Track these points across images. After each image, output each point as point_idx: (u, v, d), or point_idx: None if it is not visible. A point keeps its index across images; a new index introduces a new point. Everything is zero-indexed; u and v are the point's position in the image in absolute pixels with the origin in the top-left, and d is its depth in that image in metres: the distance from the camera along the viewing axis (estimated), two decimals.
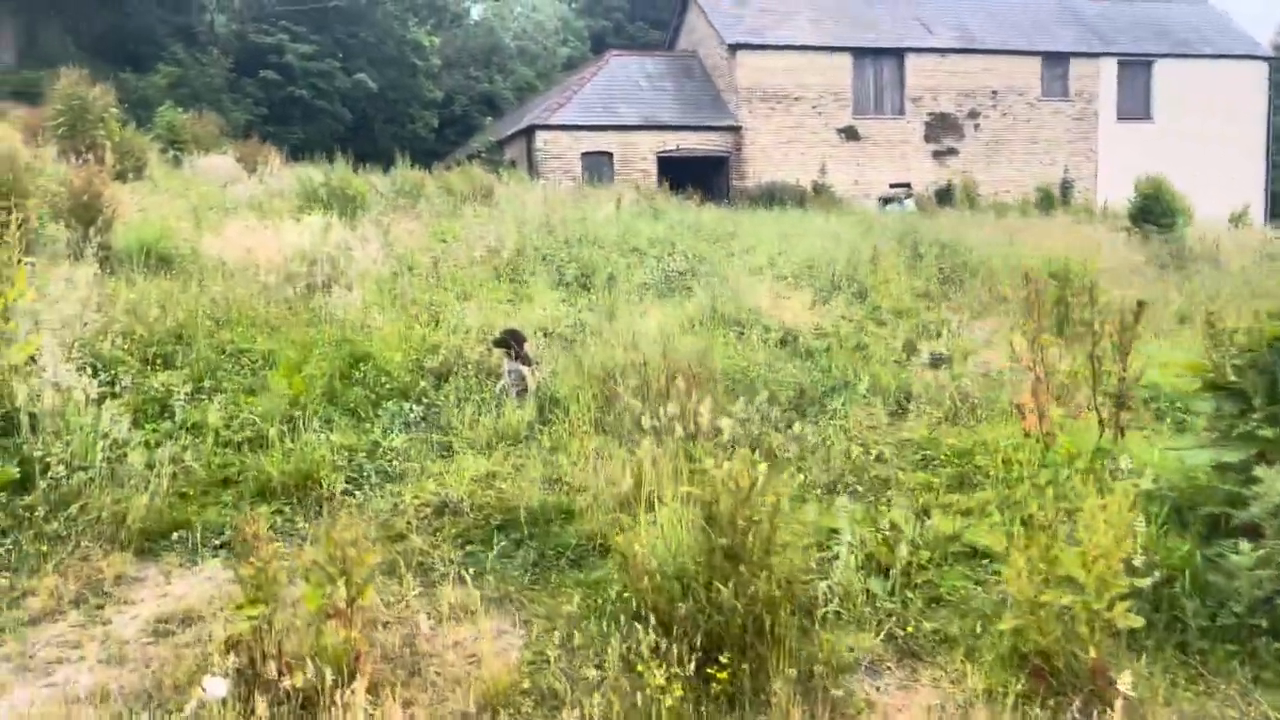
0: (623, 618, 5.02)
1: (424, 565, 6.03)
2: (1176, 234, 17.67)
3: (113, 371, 8.45)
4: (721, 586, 4.42)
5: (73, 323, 9.10)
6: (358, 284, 12.07)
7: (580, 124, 35.23)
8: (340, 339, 10.02)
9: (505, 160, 35.63)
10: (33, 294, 8.50)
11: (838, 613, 5.04)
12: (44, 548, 6.22)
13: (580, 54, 58.30)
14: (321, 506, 6.92)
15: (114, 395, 7.96)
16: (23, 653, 5.26)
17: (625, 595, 5.14)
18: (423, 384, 9.09)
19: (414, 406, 8.62)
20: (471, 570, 5.87)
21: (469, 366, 9.69)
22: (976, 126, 37.44)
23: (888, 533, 5.57)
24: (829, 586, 5.15)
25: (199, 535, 6.50)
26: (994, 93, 37.44)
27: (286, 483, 7.02)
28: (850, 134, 36.97)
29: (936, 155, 37.49)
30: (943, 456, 7.01)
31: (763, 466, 4.71)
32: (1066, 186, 36.92)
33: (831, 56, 36.25)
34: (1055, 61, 37.46)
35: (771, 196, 32.92)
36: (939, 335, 10.68)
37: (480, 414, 8.40)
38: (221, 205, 16.63)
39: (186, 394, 8.26)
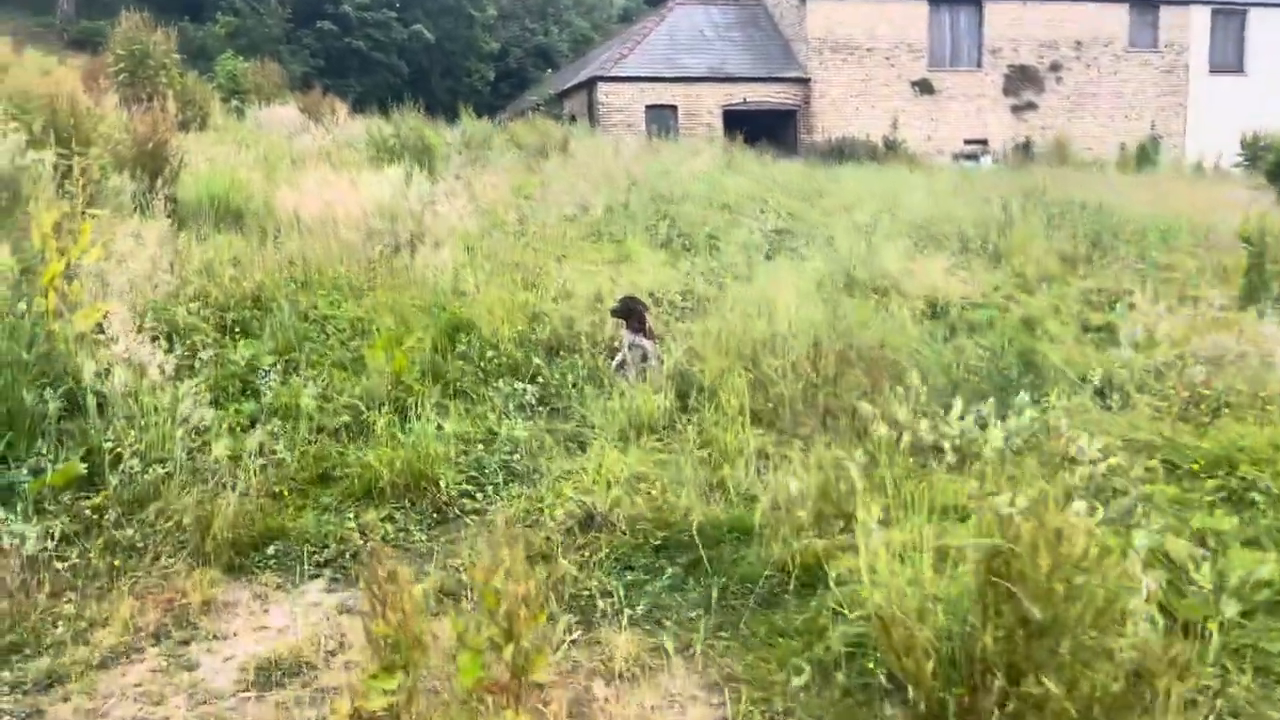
0: (869, 694, 3.76)
1: (577, 597, 4.81)
2: None
3: (189, 342, 7.30)
4: (1043, 678, 3.12)
5: (142, 284, 7.95)
6: (445, 242, 10.83)
7: (643, 76, 33.62)
8: (437, 304, 8.79)
9: (565, 114, 34.19)
10: (99, 251, 7.34)
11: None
12: (116, 561, 5.11)
13: (636, 6, 56.30)
14: (440, 512, 5.73)
15: (192, 371, 6.81)
16: (92, 710, 4.12)
17: (865, 662, 3.88)
18: (535, 360, 7.83)
19: (527, 387, 7.38)
20: (639, 606, 4.64)
21: (582, 339, 8.43)
22: (1059, 79, 35.30)
23: (1180, 572, 4.25)
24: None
25: (298, 547, 5.34)
26: (1078, 43, 35.22)
27: (396, 481, 5.83)
28: (924, 87, 35.00)
29: (1015, 110, 35.43)
30: (1194, 465, 5.64)
31: (1080, 507, 3.41)
32: (1153, 143, 34.68)
33: (906, 4, 34.21)
34: (1144, 9, 35.10)
35: (841, 152, 31.30)
36: (1111, 307, 9.24)
37: (607, 397, 7.15)
38: (290, 156, 15.44)
39: (273, 369, 7.10)
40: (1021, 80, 35.33)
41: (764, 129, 31.97)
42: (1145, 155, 26.95)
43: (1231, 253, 10.97)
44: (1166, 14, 35.21)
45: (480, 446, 6.38)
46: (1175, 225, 12.95)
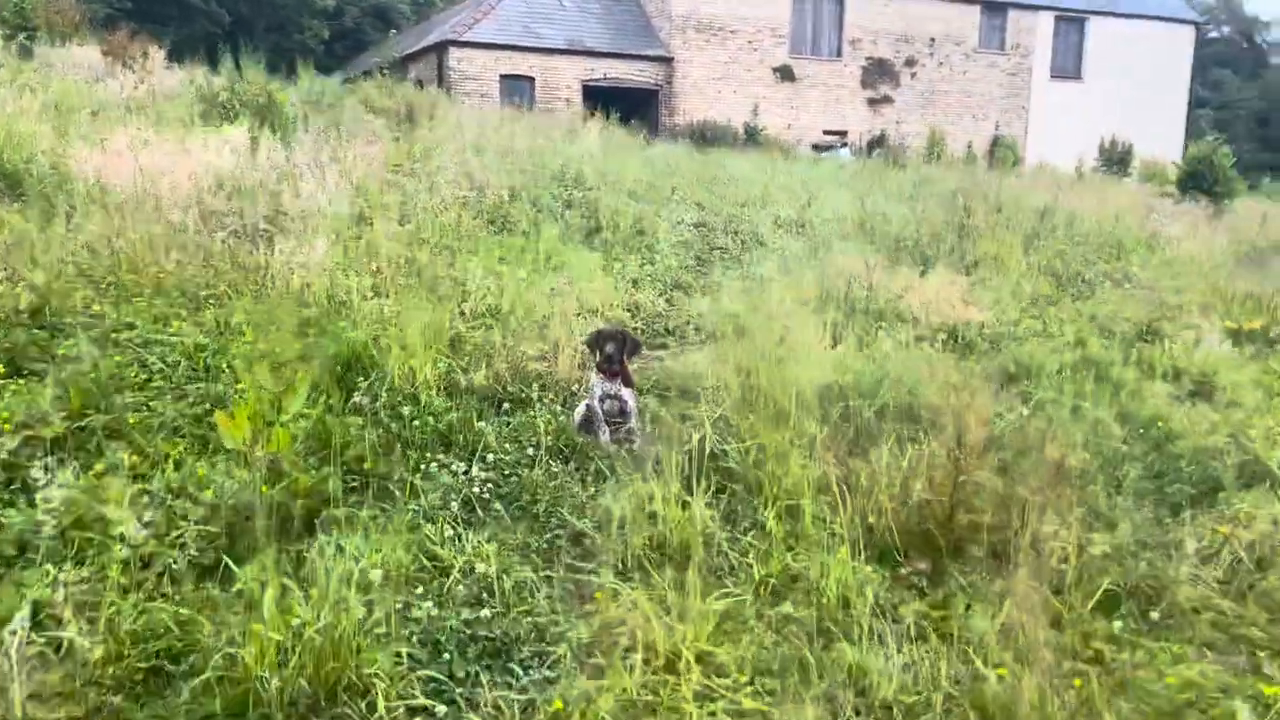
0: None
1: None
2: (1229, 204, 15.14)
3: None
4: None
5: None
6: (313, 231, 7.96)
7: (499, 43, 30.62)
8: (316, 327, 6.04)
9: (411, 80, 30.75)
10: None
11: None
12: None
13: None
14: None
15: None
16: None
17: None
18: (474, 418, 5.24)
19: (472, 468, 4.80)
20: None
21: (532, 384, 5.89)
22: (913, 75, 34.54)
23: None
24: None
25: None
26: (932, 40, 34.53)
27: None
28: (785, 74, 33.51)
29: (871, 103, 34.47)
30: None
31: None
32: (997, 143, 34.53)
33: None
34: (994, 11, 34.73)
35: (704, 136, 29.50)
36: (1146, 340, 7.45)
37: (597, 488, 4.69)
38: (91, 107, 11.91)
39: (55, 451, 4.26)
40: (878, 73, 34.38)
41: (625, 107, 29.58)
42: (1008, 155, 26.25)
43: (1242, 276, 9.50)
44: (1014, 17, 34.99)
45: (427, 602, 3.77)
46: (1132, 235, 11.49)
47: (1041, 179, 19.49)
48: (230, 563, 3.78)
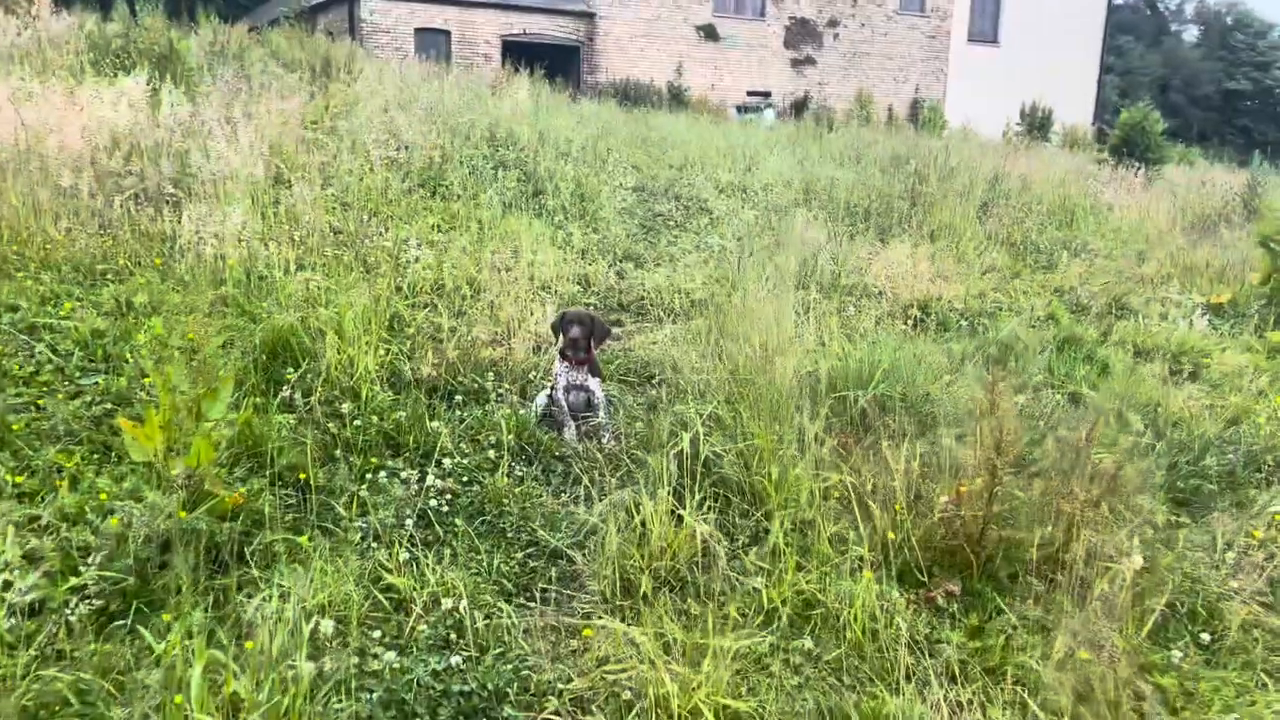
0: None
1: None
2: (1159, 170, 15.11)
3: None
4: None
5: None
6: (226, 195, 7.10)
7: None
8: (237, 306, 5.29)
9: (319, 31, 29.16)
10: None
11: None
12: None
13: None
14: None
15: None
16: None
17: None
18: (429, 420, 4.58)
19: (426, 476, 4.15)
20: None
21: (486, 374, 5.23)
22: (835, 36, 34.15)
23: None
24: None
25: None
26: (854, 1, 34.20)
27: None
28: (709, 33, 32.80)
29: (795, 64, 34.00)
30: None
31: None
32: (917, 106, 34.49)
33: None
34: None
35: (627, 95, 28.76)
36: (1116, 315, 7.12)
37: (567, 496, 4.10)
38: None
39: None
40: (801, 34, 33.91)
41: (546, 64, 28.55)
42: (934, 119, 26.08)
43: (1200, 248, 9.28)
44: None
45: (389, 653, 3.14)
46: (1079, 202, 11.23)
47: (971, 144, 19.27)
48: (144, 609, 3.10)
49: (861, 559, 3.60)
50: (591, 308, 7.00)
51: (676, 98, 30.88)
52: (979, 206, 9.84)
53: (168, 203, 7.02)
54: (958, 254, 8.58)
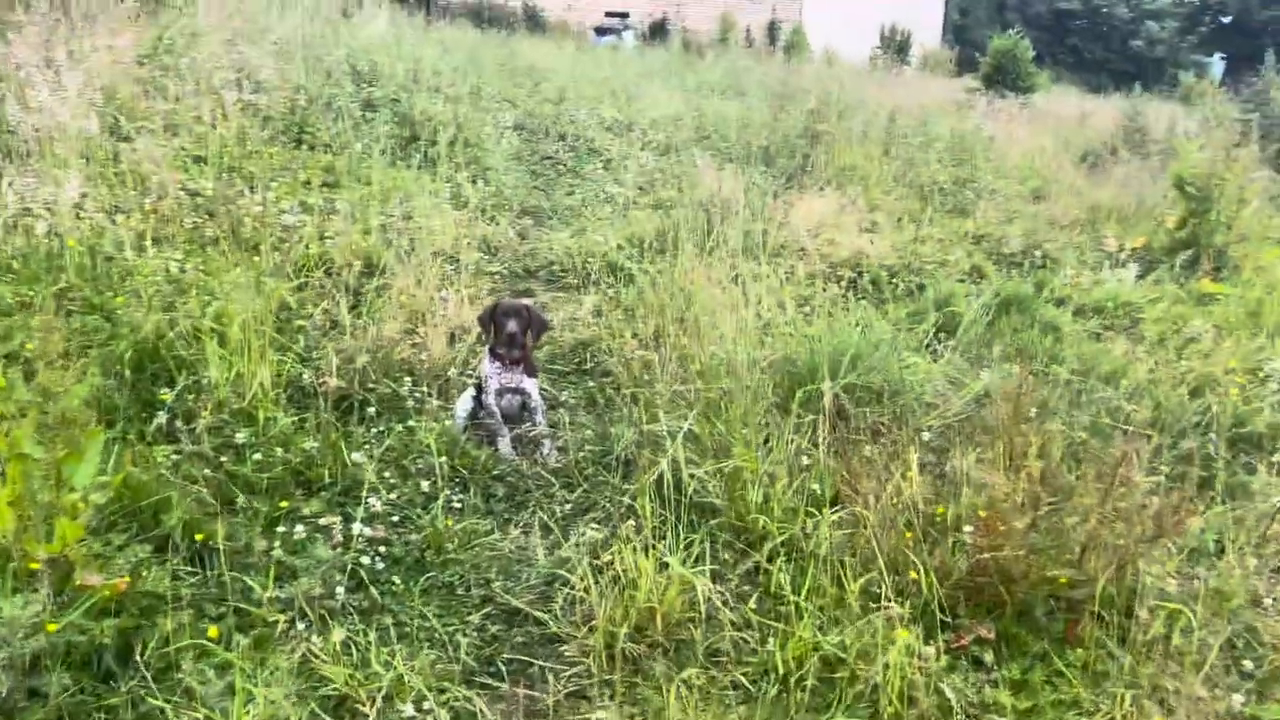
0: None
1: None
2: (1029, 99, 15.14)
3: None
4: None
5: None
6: (54, 156, 5.94)
7: None
8: (90, 304, 4.35)
9: None
10: None
11: None
12: None
13: None
14: None
15: None
16: None
17: None
18: (345, 449, 3.82)
19: (355, 521, 3.43)
20: None
21: (402, 376, 4.47)
22: None
23: None
24: None
25: None
26: None
27: None
28: None
29: None
30: None
31: None
32: (774, 28, 34.01)
33: None
34: None
35: (479, 16, 27.29)
36: (1037, 265, 6.86)
37: (517, 529, 3.48)
38: None
39: None
40: None
41: None
42: (800, 43, 25.65)
43: (1100, 186, 9.15)
44: None
45: None
46: (970, 139, 11.01)
47: (839, 71, 18.95)
48: None
49: (876, 600, 3.13)
50: (499, 277, 6.26)
51: (533, 18, 29.58)
52: (882, 147, 9.43)
53: None
54: (869, 201, 8.17)
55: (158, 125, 7.26)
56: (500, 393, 4.27)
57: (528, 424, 4.33)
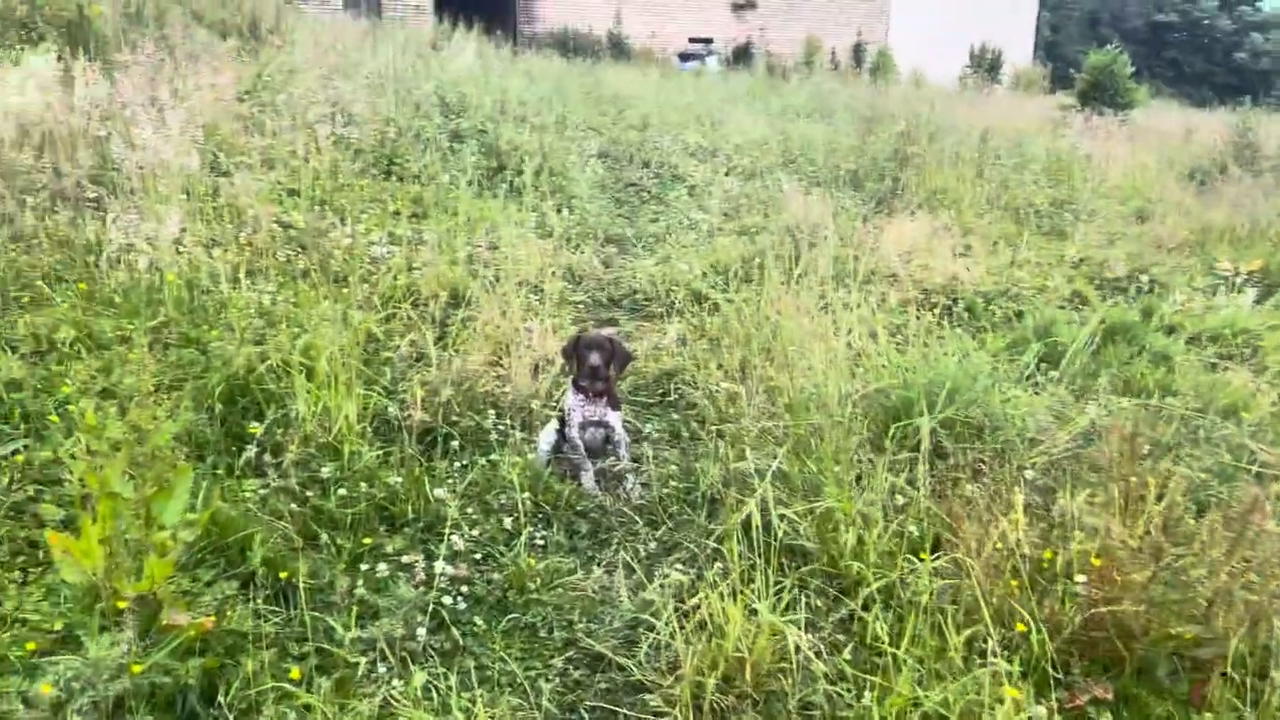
0: None
1: None
2: (1129, 115, 14.59)
3: None
4: None
5: None
6: (154, 191, 6.11)
7: None
8: (164, 329, 4.42)
9: None
10: None
11: None
12: None
13: None
14: None
15: None
16: None
17: None
18: (428, 484, 3.77)
19: (438, 560, 3.36)
20: None
21: (487, 410, 4.43)
22: None
23: None
24: None
25: None
26: None
27: None
28: None
29: (736, 9, 32.92)
30: None
31: None
32: (860, 50, 33.66)
33: None
34: None
35: (565, 45, 27.63)
36: (1144, 289, 6.50)
37: (600, 568, 3.37)
38: None
39: None
40: None
41: (479, 13, 27.16)
42: (886, 64, 25.29)
43: (1210, 206, 8.72)
44: None
45: None
46: (1065, 156, 10.63)
47: (927, 91, 18.59)
48: None
49: (981, 654, 2.93)
50: (581, 308, 6.21)
51: (617, 46, 29.81)
52: (975, 167, 9.15)
53: (89, 204, 6.02)
54: (963, 225, 7.90)
55: (255, 160, 7.44)
56: (583, 426, 4.18)
57: (611, 458, 4.24)
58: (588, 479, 4.14)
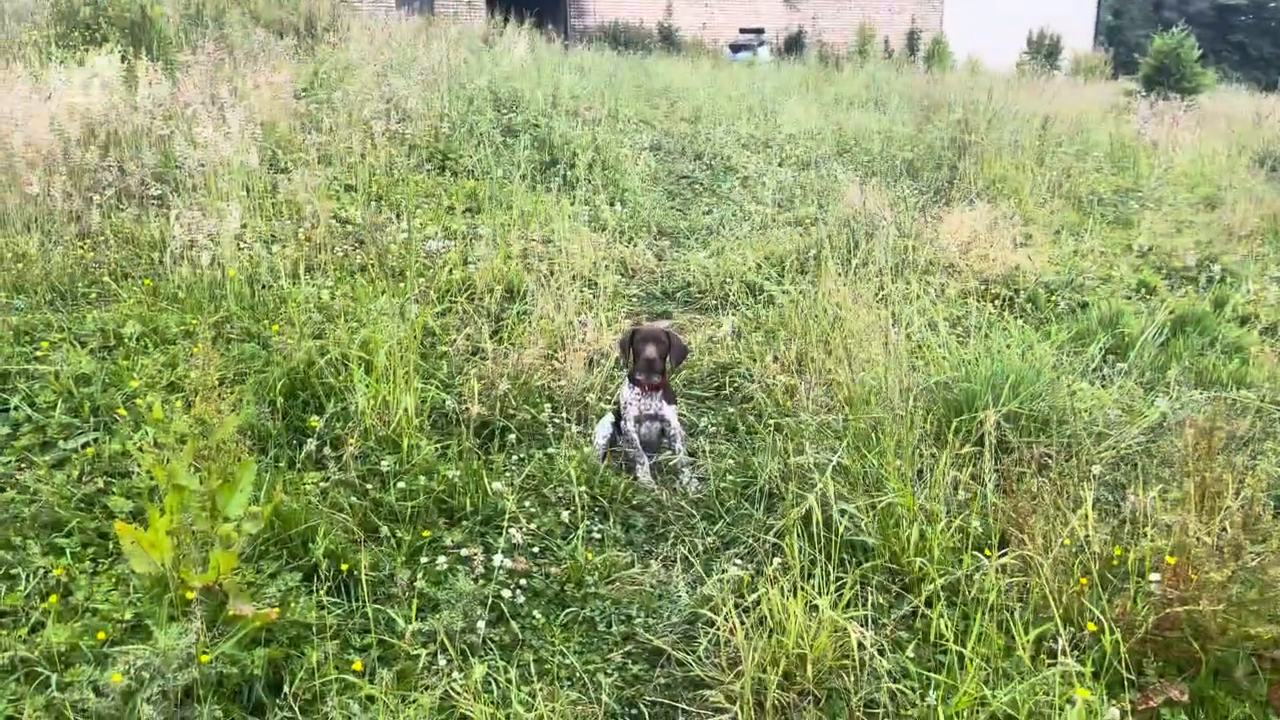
0: None
1: None
2: (1195, 101, 14.17)
3: None
4: None
5: None
6: (216, 188, 6.22)
7: None
8: (248, 332, 4.50)
9: None
10: None
11: None
12: None
13: None
14: None
15: None
16: None
17: None
18: (486, 477, 3.78)
19: (496, 553, 3.37)
20: None
21: (543, 403, 4.43)
22: None
23: None
24: None
25: None
26: None
27: None
28: None
29: None
30: None
31: None
32: (914, 37, 33.13)
33: None
34: None
35: (615, 39, 27.61)
36: (1212, 280, 6.29)
37: (657, 564, 3.36)
38: None
39: None
40: None
41: (530, 8, 27.24)
42: (941, 51, 24.86)
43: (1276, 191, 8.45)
44: None
45: None
46: (1133, 144, 10.36)
47: (983, 79, 18.22)
48: None
49: (1051, 654, 2.86)
50: (635, 300, 6.19)
51: (668, 39, 29.72)
52: (1035, 156, 8.95)
53: (153, 202, 6.14)
54: (1024, 214, 7.73)
55: (312, 157, 7.54)
56: (639, 419, 4.16)
57: (666, 452, 4.21)
58: (644, 473, 4.12)
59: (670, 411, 4.21)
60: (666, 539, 3.74)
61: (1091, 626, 2.88)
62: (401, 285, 5.34)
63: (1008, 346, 4.52)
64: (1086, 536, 3.18)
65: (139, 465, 3.52)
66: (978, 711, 2.73)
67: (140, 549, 2.84)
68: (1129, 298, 6.11)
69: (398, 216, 6.73)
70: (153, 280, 5.24)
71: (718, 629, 3.09)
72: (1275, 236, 7.41)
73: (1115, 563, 3.10)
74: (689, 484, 4.08)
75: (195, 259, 5.41)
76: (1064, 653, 2.79)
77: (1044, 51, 24.03)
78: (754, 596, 3.15)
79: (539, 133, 9.28)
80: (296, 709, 2.69)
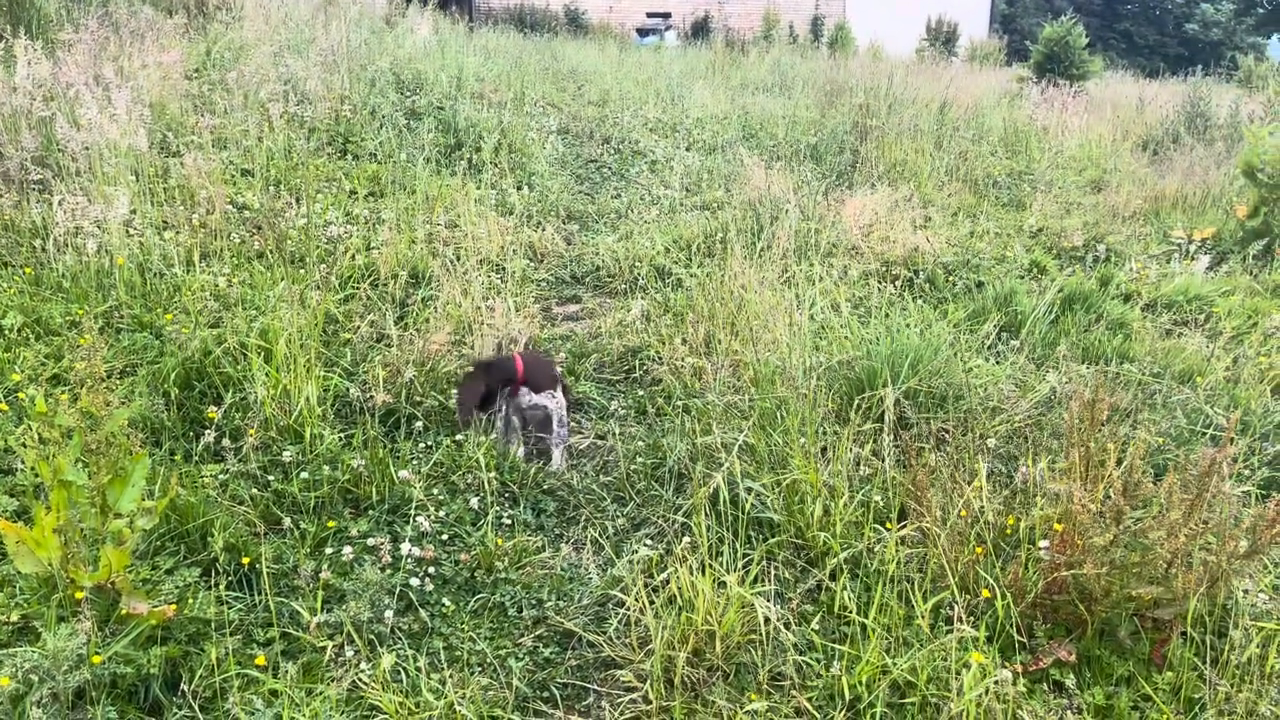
0: None
1: None
2: (1083, 85, 14.70)
3: None
4: None
5: None
6: (102, 172, 5.96)
7: None
8: (115, 312, 4.33)
9: None
10: None
11: None
12: None
13: None
14: None
15: None
16: None
17: None
18: (392, 466, 3.73)
19: (400, 544, 3.34)
20: None
21: (445, 386, 4.38)
22: None
23: None
24: None
25: None
26: None
27: None
28: None
29: None
30: None
31: None
32: (818, 23, 33.62)
33: None
34: None
35: (521, 21, 27.40)
36: (1100, 259, 6.56)
37: (567, 546, 3.37)
38: None
39: None
40: None
41: None
42: (844, 38, 25.26)
43: (1164, 175, 8.83)
44: None
45: None
46: (1026, 129, 10.72)
47: (885, 65, 18.60)
48: None
49: (948, 620, 2.97)
50: (543, 285, 6.16)
51: (575, 22, 29.56)
52: (933, 140, 9.18)
53: (34, 187, 5.86)
54: (923, 197, 7.94)
55: (206, 140, 7.28)
56: (526, 408, 4.12)
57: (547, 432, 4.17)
58: (519, 448, 4.07)
59: (551, 404, 4.10)
60: (577, 522, 3.75)
61: (986, 593, 2.99)
62: (302, 272, 5.21)
63: (907, 326, 4.65)
64: (981, 507, 3.30)
65: (22, 462, 3.37)
66: (879, 680, 2.82)
67: (25, 548, 2.72)
68: (1022, 277, 6.33)
69: (297, 201, 6.56)
70: (34, 269, 5.01)
71: (628, 609, 3.12)
72: (1156, 217, 7.76)
73: (1008, 531, 3.23)
74: (555, 462, 4.03)
75: (80, 246, 5.19)
76: (960, 619, 2.89)
77: (942, 38, 24.64)
78: (663, 576, 3.19)
79: (444, 116, 9.13)
80: (196, 707, 2.62)
